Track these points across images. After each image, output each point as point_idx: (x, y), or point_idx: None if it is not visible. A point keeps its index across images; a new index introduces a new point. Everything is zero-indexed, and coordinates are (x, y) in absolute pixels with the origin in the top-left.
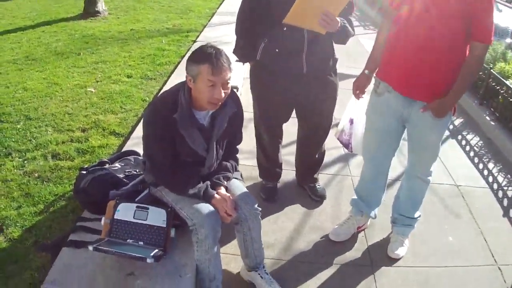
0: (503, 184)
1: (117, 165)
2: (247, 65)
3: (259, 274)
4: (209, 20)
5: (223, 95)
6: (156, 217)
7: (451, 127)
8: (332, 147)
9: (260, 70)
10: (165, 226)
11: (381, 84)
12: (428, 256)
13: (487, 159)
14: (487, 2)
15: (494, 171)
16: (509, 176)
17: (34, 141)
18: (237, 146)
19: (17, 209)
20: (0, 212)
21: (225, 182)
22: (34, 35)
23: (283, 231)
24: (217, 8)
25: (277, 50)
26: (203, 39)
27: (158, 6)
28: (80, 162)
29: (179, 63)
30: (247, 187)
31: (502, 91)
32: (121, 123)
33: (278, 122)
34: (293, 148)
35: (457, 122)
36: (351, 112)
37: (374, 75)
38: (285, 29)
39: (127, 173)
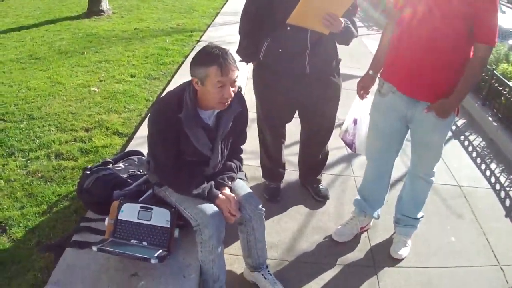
0: (505, 185)
1: (121, 165)
2: (251, 65)
3: (262, 274)
4: (213, 20)
5: (232, 93)
6: (160, 217)
7: (453, 127)
8: (335, 147)
9: (263, 70)
10: (169, 226)
11: (385, 85)
12: (430, 257)
13: (489, 160)
14: (491, 3)
15: (497, 171)
16: (511, 176)
17: (37, 140)
18: (241, 146)
19: (20, 209)
20: (3, 212)
21: (230, 183)
22: (38, 33)
23: (286, 232)
24: (221, 8)
25: (280, 50)
26: (207, 39)
27: (162, 5)
28: (84, 162)
29: (183, 62)
30: (250, 188)
31: (505, 92)
32: (124, 123)
33: (281, 122)
34: (297, 148)
35: (460, 122)
36: (355, 112)
37: (378, 75)
38: (288, 29)
39: (130, 173)
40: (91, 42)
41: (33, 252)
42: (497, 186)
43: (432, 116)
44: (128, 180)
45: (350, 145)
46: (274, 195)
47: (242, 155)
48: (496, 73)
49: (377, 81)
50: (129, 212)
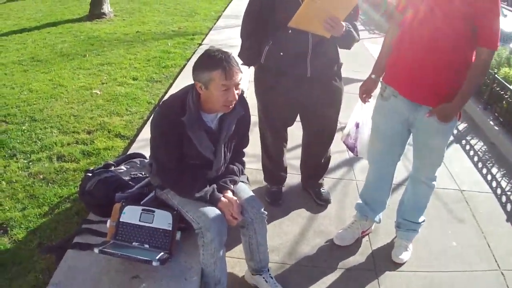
0: (506, 189)
1: (123, 167)
2: (252, 69)
3: (263, 278)
4: (214, 23)
5: (236, 96)
6: (162, 220)
7: (455, 131)
8: (337, 151)
9: (264, 73)
10: (170, 229)
11: (387, 89)
12: (431, 261)
13: (491, 164)
14: (493, 7)
15: (498, 176)
16: None
17: (39, 142)
18: (243, 150)
19: (22, 211)
20: (5, 214)
21: (232, 186)
22: (40, 36)
23: (287, 235)
24: (223, 11)
25: (281, 53)
26: (209, 42)
27: (163, 8)
28: (85, 164)
29: (184, 65)
30: (252, 191)
31: (506, 96)
32: (126, 125)
33: (282, 125)
34: (299, 152)
35: (461, 126)
36: (357, 116)
37: (381, 79)
38: (290, 32)
39: (132, 176)
40: (93, 44)
41: (34, 254)
42: (498, 191)
43: (434, 121)
44: (130, 182)
45: (352, 148)
46: (275, 199)
47: (244, 158)
48: (497, 77)
49: (379, 85)
50: (131, 214)
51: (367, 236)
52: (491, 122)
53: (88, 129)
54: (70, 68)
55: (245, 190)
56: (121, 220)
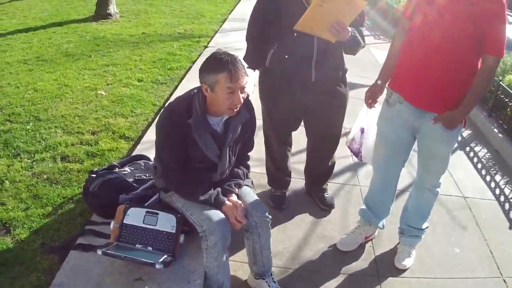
0: (510, 197)
1: (127, 169)
2: (258, 72)
3: (266, 282)
4: (220, 26)
5: (241, 100)
6: (166, 222)
7: (459, 138)
8: (341, 156)
9: (269, 76)
10: (174, 232)
11: (393, 95)
12: (434, 267)
13: (494, 171)
14: (500, 14)
15: (501, 183)
16: None
17: (43, 142)
18: (248, 153)
19: (25, 211)
20: (8, 213)
21: (237, 189)
22: (45, 35)
23: (291, 240)
24: (229, 14)
25: (286, 56)
26: (214, 45)
27: (169, 10)
28: (90, 165)
29: (190, 68)
30: (256, 195)
31: (511, 104)
32: (131, 127)
33: (286, 129)
34: (303, 156)
35: (466, 133)
36: (362, 121)
37: (387, 85)
38: (295, 35)
39: (137, 178)
40: (99, 45)
41: (37, 254)
42: (502, 198)
43: (439, 128)
44: (134, 184)
45: (356, 153)
46: (279, 203)
47: (248, 162)
48: (502, 84)
49: (385, 91)
50: (135, 216)
51: (370, 241)
52: (495, 130)
53: (92, 130)
54: (75, 68)
55: (250, 194)
56: (124, 222)
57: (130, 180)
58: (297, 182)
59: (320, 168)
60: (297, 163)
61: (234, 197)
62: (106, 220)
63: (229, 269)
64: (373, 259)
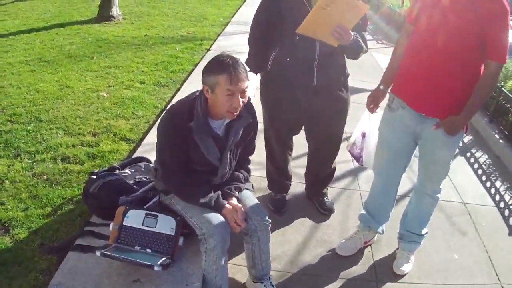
0: (509, 203)
1: (127, 171)
2: (260, 76)
3: (265, 285)
4: (223, 29)
5: (241, 103)
6: (165, 225)
7: (460, 144)
8: (341, 161)
9: (270, 80)
10: (173, 234)
11: (395, 100)
12: (432, 273)
13: (495, 178)
14: (503, 20)
15: (501, 189)
16: None
17: (44, 143)
18: (249, 157)
19: (25, 211)
20: (7, 213)
21: (237, 193)
22: (48, 36)
23: (290, 244)
24: (232, 17)
25: (288, 60)
26: (217, 48)
27: (172, 13)
28: (90, 166)
29: (192, 71)
30: (256, 198)
31: None
32: (132, 129)
33: (287, 134)
34: (304, 160)
35: (466, 139)
36: (363, 125)
37: (389, 90)
38: (297, 38)
39: (137, 180)
40: (101, 47)
41: (36, 254)
42: (502, 204)
43: (441, 133)
44: (134, 186)
45: (357, 158)
46: (279, 207)
47: (249, 166)
48: (504, 90)
49: (387, 96)
50: (134, 218)
51: (369, 246)
52: (496, 136)
53: (93, 132)
54: (77, 70)
55: (250, 197)
56: (124, 223)
57: (130, 182)
58: (297, 186)
59: (320, 173)
60: (298, 167)
61: (234, 201)
62: (106, 221)
63: (228, 272)
64: (372, 264)
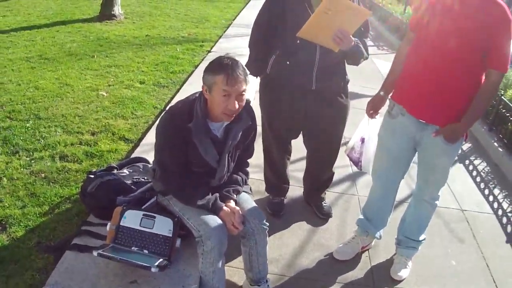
0: (507, 210)
1: (126, 171)
2: (259, 78)
3: None
4: (224, 31)
5: (237, 106)
6: (163, 226)
7: (459, 151)
8: (340, 165)
9: (269, 83)
10: (171, 235)
11: (395, 107)
12: (430, 279)
13: (493, 185)
14: (506, 30)
15: (500, 197)
16: None
17: (42, 141)
18: (247, 160)
19: (22, 209)
20: (4, 210)
21: (235, 195)
22: (49, 34)
23: (287, 247)
24: (233, 20)
25: (288, 63)
26: (218, 50)
27: (174, 13)
28: (88, 165)
29: (192, 72)
30: (254, 201)
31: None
32: (131, 129)
33: (286, 137)
34: (302, 164)
35: (466, 147)
36: (363, 131)
37: (389, 97)
38: (298, 42)
39: (135, 180)
40: (102, 46)
41: (32, 252)
42: (500, 212)
43: (440, 141)
44: (132, 186)
45: (356, 163)
46: (277, 210)
47: (247, 169)
48: (504, 98)
49: (387, 102)
50: (132, 219)
51: (367, 251)
52: (495, 144)
53: (92, 130)
54: (77, 68)
55: (248, 200)
56: (121, 224)
57: (128, 182)
58: (296, 190)
59: (318, 178)
60: (296, 170)
61: (232, 203)
62: (103, 221)
63: (225, 274)
64: (369, 269)
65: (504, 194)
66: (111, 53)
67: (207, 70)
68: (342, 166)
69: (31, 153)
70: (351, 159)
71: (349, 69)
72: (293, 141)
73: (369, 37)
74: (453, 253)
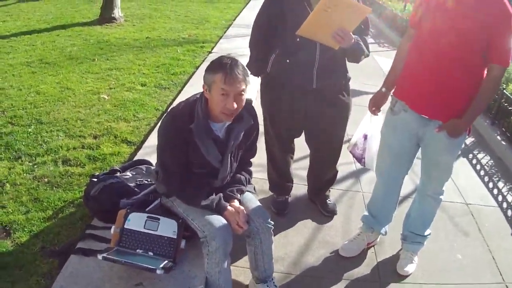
0: None
1: (129, 174)
2: (260, 78)
3: (268, 287)
4: (225, 32)
5: (235, 106)
6: (167, 227)
7: (462, 145)
8: (343, 162)
9: (270, 82)
10: (175, 237)
11: (397, 103)
12: (436, 273)
13: (497, 178)
14: (507, 24)
15: (504, 190)
16: None
17: (44, 145)
18: (250, 159)
19: (25, 214)
20: (8, 216)
21: (239, 195)
22: (49, 38)
23: (293, 245)
24: (233, 20)
25: (288, 61)
26: (218, 51)
27: (174, 15)
28: (91, 169)
29: (193, 73)
30: (258, 201)
31: None
32: (133, 131)
33: (288, 136)
34: (305, 162)
35: (469, 141)
36: (365, 127)
37: (391, 93)
38: (298, 40)
39: (138, 183)
40: (102, 49)
41: (37, 257)
42: (504, 205)
43: (444, 136)
44: (135, 189)
45: (359, 158)
46: (281, 209)
47: (250, 168)
48: (506, 92)
49: (389, 98)
50: (136, 221)
51: (372, 247)
52: (498, 137)
53: (94, 134)
54: (78, 72)
55: (252, 200)
56: (125, 227)
57: (132, 185)
58: (300, 188)
59: (322, 176)
60: (300, 169)
61: (236, 203)
62: (107, 224)
63: (231, 274)
64: (375, 265)
65: (508, 187)
66: (112, 56)
67: (208, 69)
68: (346, 163)
69: (34, 158)
70: (354, 155)
71: (350, 66)
72: (296, 139)
73: (369, 34)
74: (458, 247)
